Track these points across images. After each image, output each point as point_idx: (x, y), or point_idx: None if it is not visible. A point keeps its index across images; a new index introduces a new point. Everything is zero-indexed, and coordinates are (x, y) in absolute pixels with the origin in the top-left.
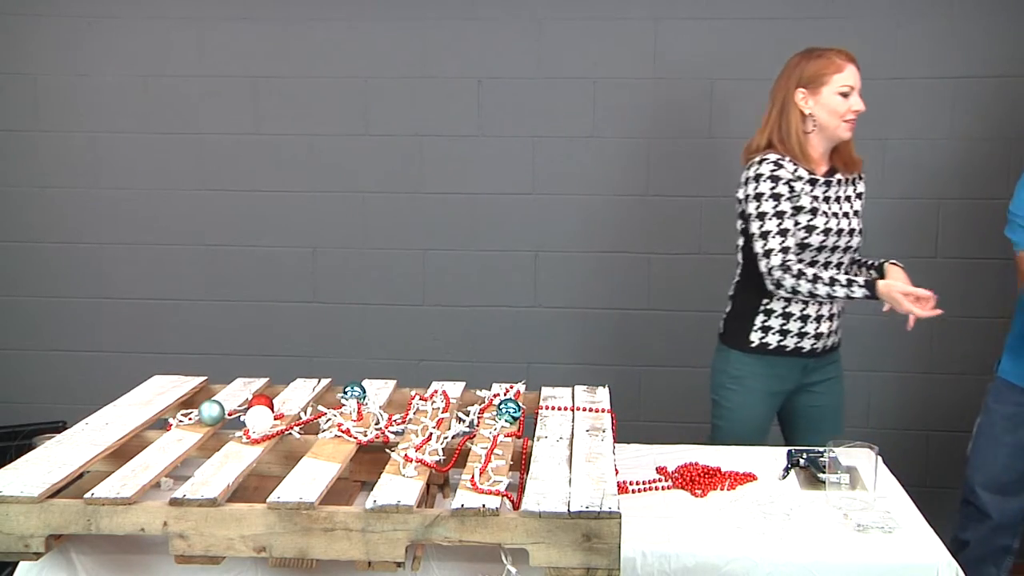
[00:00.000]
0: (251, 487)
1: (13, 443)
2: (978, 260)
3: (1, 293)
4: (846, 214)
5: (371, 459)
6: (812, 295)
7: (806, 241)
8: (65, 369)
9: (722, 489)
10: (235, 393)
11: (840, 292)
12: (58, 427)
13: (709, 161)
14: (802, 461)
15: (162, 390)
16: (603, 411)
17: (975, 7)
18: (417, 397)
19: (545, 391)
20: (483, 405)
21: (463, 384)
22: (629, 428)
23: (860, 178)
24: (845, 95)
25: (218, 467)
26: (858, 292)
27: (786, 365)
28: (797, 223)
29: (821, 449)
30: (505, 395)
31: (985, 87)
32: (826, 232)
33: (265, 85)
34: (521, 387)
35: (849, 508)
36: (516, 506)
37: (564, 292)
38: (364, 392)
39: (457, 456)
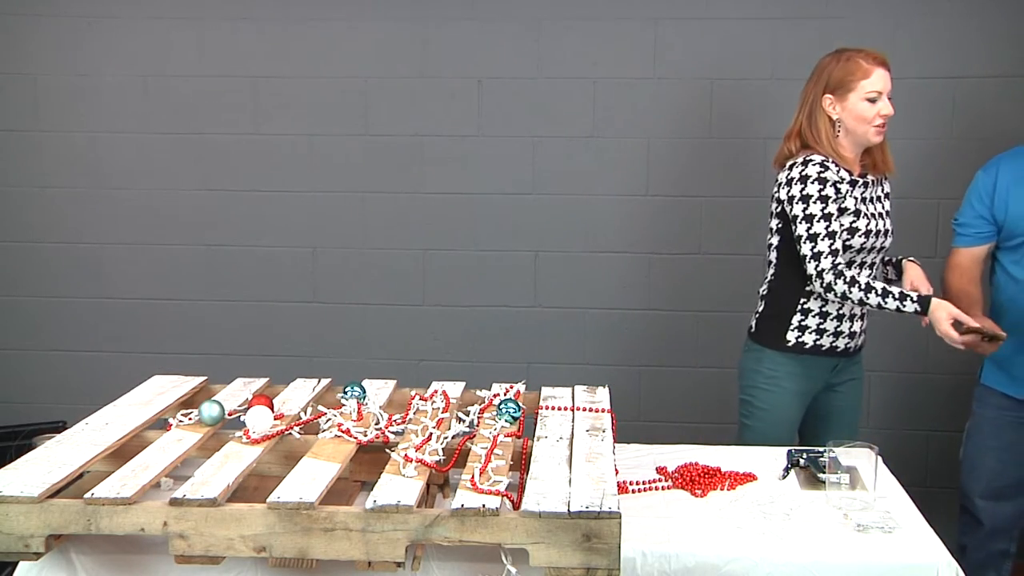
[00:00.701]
0: (251, 487)
1: (13, 443)
2: None
3: (1, 293)
4: (880, 215)
5: (371, 459)
6: (861, 303)
7: (848, 243)
8: (65, 369)
9: (722, 489)
10: (235, 393)
11: (891, 305)
12: (58, 427)
13: (709, 161)
14: (802, 461)
15: (162, 390)
16: (603, 411)
17: (974, 7)
18: (417, 397)
19: (545, 391)
20: (483, 405)
21: (463, 384)
22: (629, 428)
23: (885, 178)
24: (873, 100)
25: (218, 467)
26: (909, 307)
27: (818, 365)
28: (842, 225)
29: (821, 449)
30: (505, 395)
31: (985, 87)
32: (867, 234)
33: (265, 85)
34: (521, 387)
35: (849, 508)
36: (516, 506)
37: (564, 292)
38: (364, 392)
39: (457, 456)
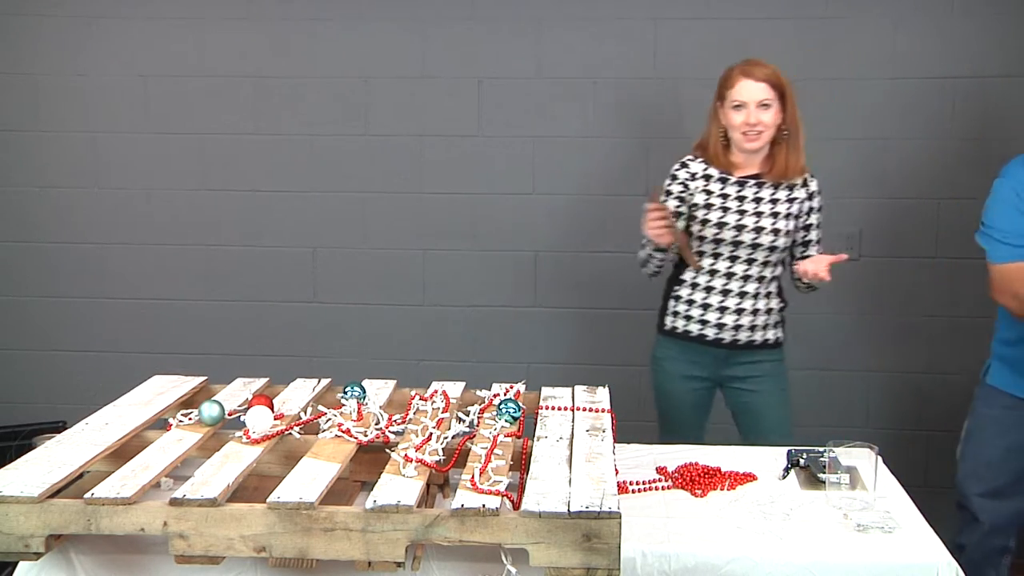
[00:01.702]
0: (251, 487)
1: (13, 443)
2: (978, 260)
3: (1, 293)
4: (758, 213)
5: (371, 459)
6: (642, 257)
7: (701, 233)
8: (65, 369)
9: (722, 489)
10: (235, 393)
11: (645, 251)
12: (58, 427)
13: None
14: (802, 461)
15: (162, 390)
16: (603, 411)
17: (975, 7)
18: (417, 397)
19: (545, 391)
20: (483, 405)
21: (463, 384)
22: (629, 428)
23: (804, 184)
24: (738, 108)
25: (218, 467)
26: (645, 245)
27: (698, 352)
28: (680, 215)
29: (821, 449)
30: (505, 395)
31: (985, 87)
32: (719, 226)
33: (265, 85)
34: (521, 387)
35: (849, 508)
36: (516, 506)
37: (564, 292)
38: (364, 392)
39: (457, 456)
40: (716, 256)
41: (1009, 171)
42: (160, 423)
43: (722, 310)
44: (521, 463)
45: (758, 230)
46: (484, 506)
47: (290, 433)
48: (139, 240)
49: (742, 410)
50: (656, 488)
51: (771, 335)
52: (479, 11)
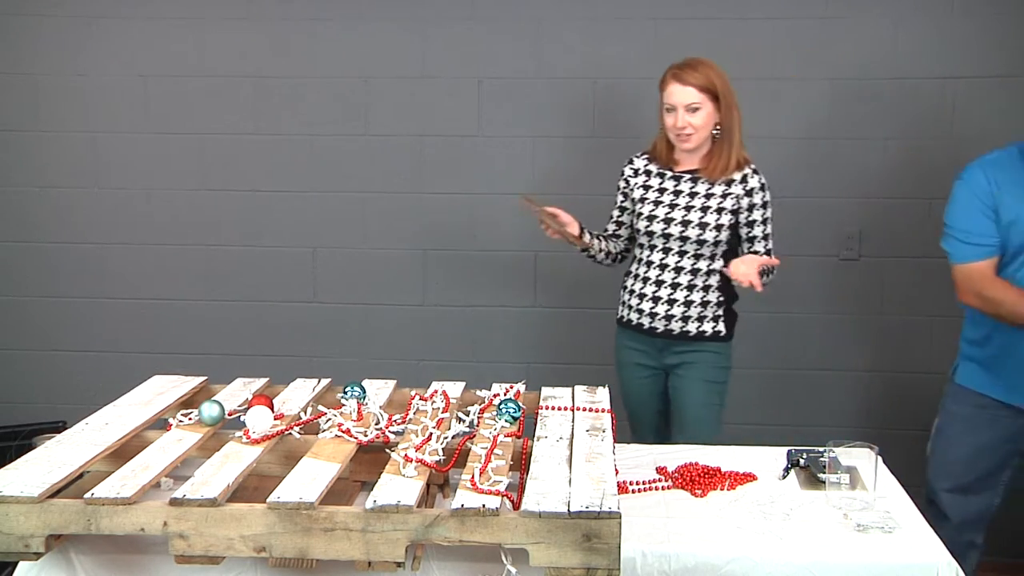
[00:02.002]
0: (251, 487)
1: (13, 443)
2: None
3: (1, 293)
4: (688, 207)
5: (371, 459)
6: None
7: (638, 225)
8: (65, 369)
9: (722, 489)
10: (235, 393)
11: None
12: (58, 427)
13: None
14: (802, 461)
15: (162, 390)
16: (603, 411)
17: (975, 7)
18: (417, 397)
19: (545, 391)
20: (483, 405)
21: (463, 384)
22: (629, 428)
23: (743, 180)
24: (669, 111)
25: (218, 467)
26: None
27: (642, 341)
28: (625, 209)
29: (821, 449)
30: (505, 395)
31: (985, 87)
32: (650, 219)
33: (265, 85)
34: (521, 387)
35: (849, 508)
36: (516, 506)
37: (564, 292)
38: (364, 392)
39: (457, 456)
40: (652, 248)
41: (968, 173)
42: (160, 423)
43: (656, 300)
44: (521, 463)
45: (685, 223)
46: (484, 506)
47: (290, 433)
48: (139, 240)
49: (674, 398)
50: (656, 488)
51: (707, 327)
52: (479, 11)
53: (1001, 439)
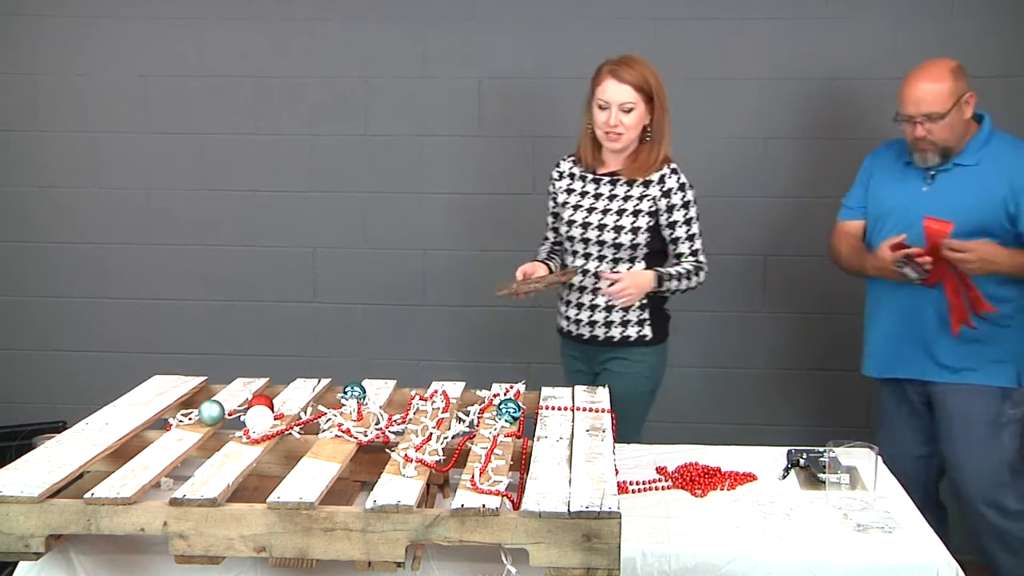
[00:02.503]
0: (251, 487)
1: (13, 443)
2: None
3: (1, 293)
4: (605, 211)
5: (371, 459)
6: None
7: (560, 228)
8: (65, 369)
9: (722, 489)
10: (235, 393)
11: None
12: (58, 427)
13: (709, 161)
14: (802, 461)
15: (162, 390)
16: (603, 411)
17: (974, 7)
18: (417, 397)
19: (545, 391)
20: (483, 405)
21: (463, 384)
22: (629, 428)
23: (661, 182)
24: (601, 108)
25: (218, 467)
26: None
27: (575, 348)
28: (557, 215)
29: (821, 449)
30: (505, 395)
31: (985, 87)
32: (569, 224)
33: (265, 85)
34: (521, 387)
35: (849, 508)
36: (516, 506)
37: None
38: (364, 392)
39: (457, 456)
40: (575, 253)
41: (876, 151)
42: (160, 423)
43: (580, 306)
44: (521, 463)
45: (601, 227)
46: (484, 506)
47: (290, 433)
48: (139, 240)
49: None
50: (656, 488)
51: (631, 332)
52: (479, 11)
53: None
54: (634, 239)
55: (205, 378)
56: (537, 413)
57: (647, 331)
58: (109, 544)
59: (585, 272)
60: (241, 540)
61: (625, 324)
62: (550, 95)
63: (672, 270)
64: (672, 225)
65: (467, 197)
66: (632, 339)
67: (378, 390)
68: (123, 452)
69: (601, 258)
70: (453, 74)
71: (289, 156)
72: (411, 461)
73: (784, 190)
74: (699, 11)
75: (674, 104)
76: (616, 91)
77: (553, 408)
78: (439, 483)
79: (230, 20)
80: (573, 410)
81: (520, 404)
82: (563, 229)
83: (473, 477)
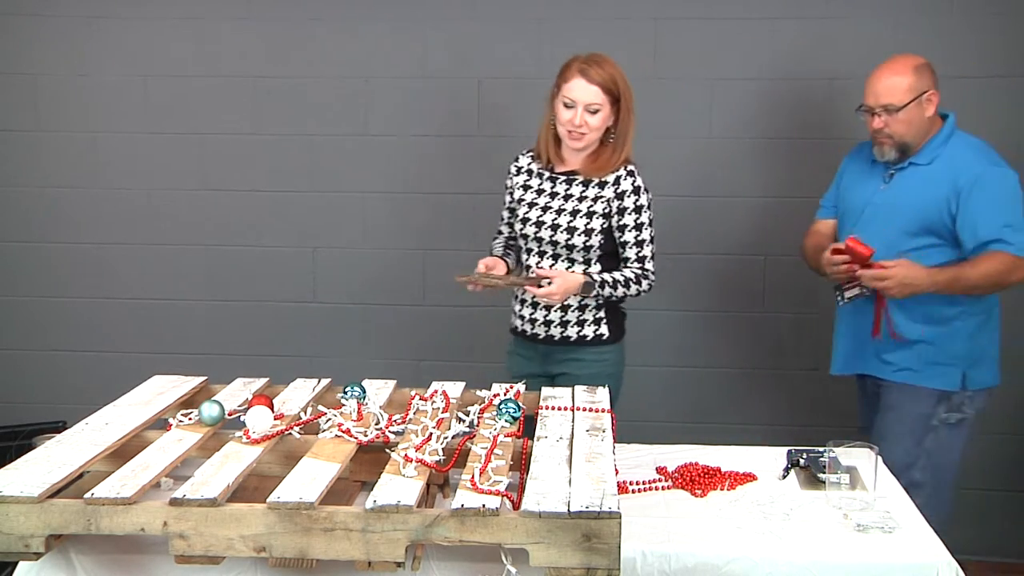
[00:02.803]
0: (251, 487)
1: (13, 443)
2: None
3: (1, 293)
4: (560, 211)
5: (371, 459)
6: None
7: (515, 225)
8: (65, 369)
9: (722, 489)
10: (235, 393)
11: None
12: (58, 427)
13: (709, 161)
14: (802, 461)
15: (162, 390)
16: (603, 411)
17: (975, 7)
18: (417, 397)
19: (545, 391)
20: (483, 405)
21: (463, 384)
22: (629, 428)
23: (616, 183)
24: (568, 106)
25: (218, 467)
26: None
27: (529, 348)
28: (512, 210)
29: (821, 449)
30: (505, 395)
31: (985, 87)
32: (523, 222)
33: (265, 85)
34: (521, 387)
35: (849, 508)
36: (516, 506)
37: None
38: (364, 392)
39: (457, 456)
40: (529, 251)
41: (852, 150)
42: (160, 423)
43: (535, 306)
44: (521, 463)
45: (555, 227)
46: (484, 506)
47: (290, 433)
48: (139, 240)
49: None
50: (656, 488)
51: (589, 331)
52: (479, 11)
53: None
54: (587, 240)
55: (205, 378)
56: (537, 413)
57: (604, 330)
58: (109, 544)
59: (529, 268)
60: (241, 540)
61: (582, 323)
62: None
63: (607, 276)
64: (622, 228)
65: (467, 197)
66: (589, 338)
67: (378, 390)
68: (123, 452)
69: (556, 257)
70: (453, 74)
71: (289, 156)
72: (411, 461)
73: (782, 190)
74: (699, 11)
75: (674, 104)
76: (584, 91)
77: (553, 408)
78: (439, 483)
79: (230, 20)
80: (573, 410)
81: (520, 404)
82: (518, 227)
83: (473, 477)
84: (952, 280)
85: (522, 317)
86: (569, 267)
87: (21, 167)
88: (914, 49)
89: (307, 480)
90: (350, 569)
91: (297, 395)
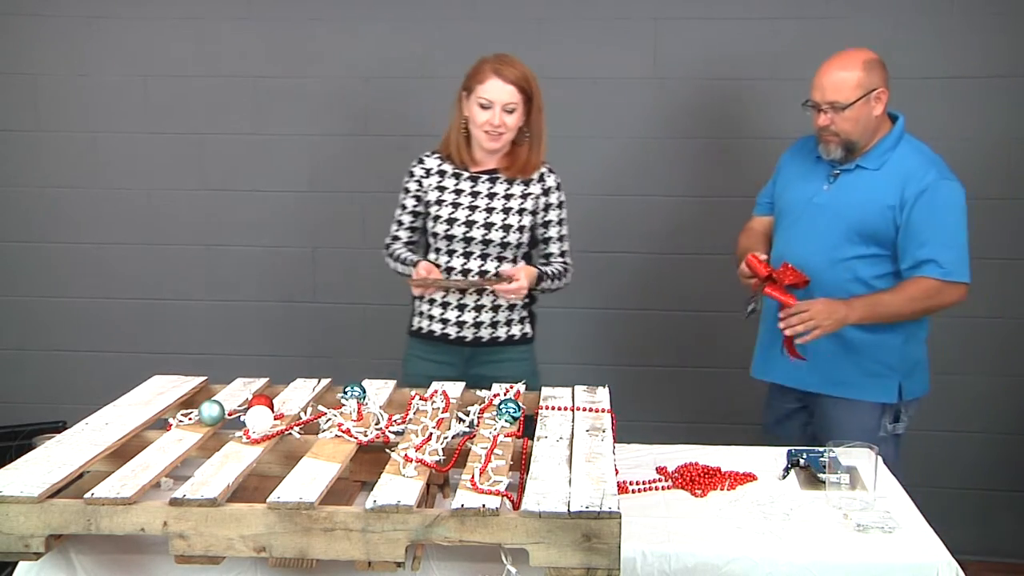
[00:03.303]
0: (251, 487)
1: (13, 443)
2: (978, 259)
3: (1, 293)
4: (489, 209)
5: (371, 459)
6: (395, 269)
7: (434, 230)
8: (65, 369)
9: (722, 489)
10: (235, 393)
11: (399, 268)
12: (58, 427)
13: (709, 161)
14: (802, 461)
15: (162, 390)
16: (603, 411)
17: (975, 7)
18: (417, 397)
19: (545, 391)
20: (483, 405)
21: (463, 384)
22: (629, 428)
23: (541, 180)
24: (484, 107)
25: (218, 467)
26: (404, 269)
27: (443, 351)
28: (419, 214)
29: (821, 449)
30: (505, 395)
31: (985, 87)
32: (449, 223)
33: (265, 85)
34: (521, 387)
35: (849, 508)
36: (516, 506)
37: (564, 292)
38: (364, 392)
39: (457, 456)
40: (451, 253)
41: (792, 146)
42: (160, 423)
43: (462, 308)
44: (521, 463)
45: (488, 227)
46: (484, 506)
47: (290, 433)
48: (139, 240)
49: None
50: (656, 488)
51: (516, 331)
52: (479, 11)
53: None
54: (520, 238)
55: (205, 378)
56: (537, 413)
57: (528, 328)
58: (109, 544)
59: (467, 272)
60: (241, 540)
61: (510, 323)
62: (550, 95)
63: (548, 269)
64: (546, 224)
65: None
66: (517, 338)
67: (378, 390)
68: (123, 452)
69: (484, 256)
70: (453, 74)
71: (289, 156)
72: (411, 461)
73: None
74: (699, 11)
75: (674, 104)
76: (500, 91)
77: (553, 408)
78: (439, 483)
79: (230, 20)
80: (573, 410)
81: (520, 404)
82: (440, 228)
83: (473, 477)
84: (871, 307)
85: (445, 320)
86: (498, 266)
87: (21, 167)
88: (913, 49)
89: (307, 480)
90: (350, 569)
91: (297, 395)
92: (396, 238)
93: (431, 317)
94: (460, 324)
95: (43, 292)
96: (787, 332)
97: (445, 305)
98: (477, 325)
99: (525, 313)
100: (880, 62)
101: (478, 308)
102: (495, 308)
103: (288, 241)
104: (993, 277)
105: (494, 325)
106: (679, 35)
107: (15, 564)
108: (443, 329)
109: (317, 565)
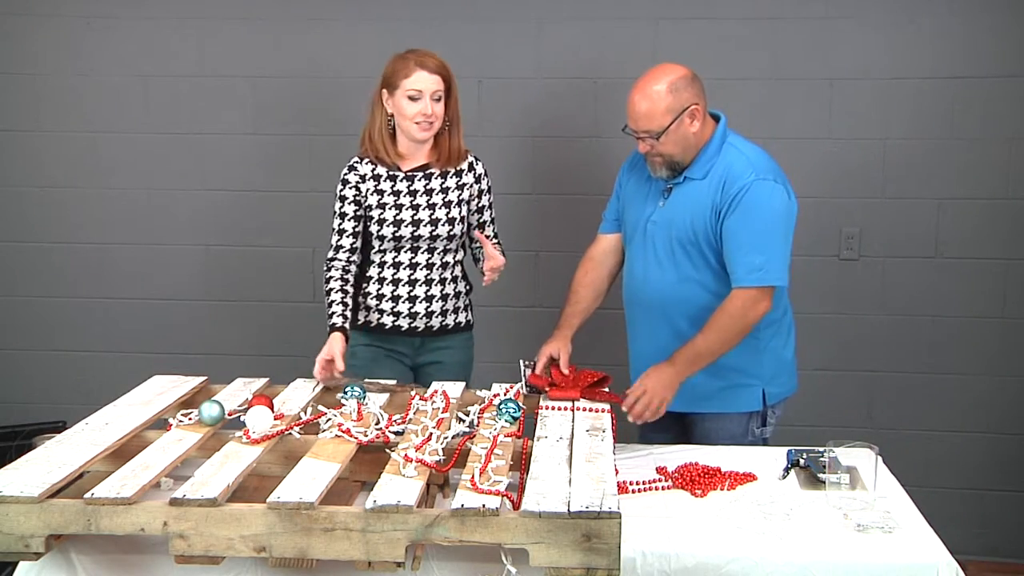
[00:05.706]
0: (251, 487)
1: (13, 443)
2: (978, 260)
3: (1, 293)
4: (432, 205)
5: (371, 459)
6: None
7: (381, 233)
8: (65, 369)
9: (722, 489)
10: (235, 393)
11: (327, 308)
12: (58, 427)
13: None
14: (802, 461)
15: (162, 390)
16: (603, 411)
17: (976, 7)
18: (417, 397)
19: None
20: (483, 405)
21: (463, 384)
22: (629, 428)
23: (471, 168)
24: (413, 99)
25: (218, 467)
26: (327, 315)
27: (392, 342)
28: (360, 218)
29: (821, 449)
30: (505, 395)
31: (985, 87)
32: (396, 224)
33: (265, 85)
34: (521, 387)
35: (849, 508)
36: (516, 506)
37: (564, 292)
38: (364, 392)
39: (457, 456)
40: (398, 251)
41: (631, 158)
42: (160, 423)
43: (412, 300)
44: (521, 463)
45: (434, 223)
46: (484, 506)
47: (290, 433)
48: (139, 240)
49: None
50: (656, 488)
51: (461, 318)
52: (479, 11)
53: None
54: (463, 228)
55: (205, 378)
56: (537, 413)
57: (470, 316)
58: (109, 544)
59: (415, 265)
60: (241, 540)
61: (456, 311)
62: (550, 95)
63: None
64: (481, 209)
65: None
66: (463, 324)
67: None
68: (123, 452)
69: (432, 250)
70: (453, 73)
71: (289, 156)
72: (411, 461)
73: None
74: (699, 11)
75: None
76: (428, 80)
77: (553, 408)
78: (439, 483)
79: (230, 20)
80: (573, 410)
81: (520, 404)
82: (387, 231)
83: (473, 477)
84: (692, 357)
85: (398, 313)
86: (443, 257)
87: (21, 167)
88: (914, 49)
89: (307, 480)
90: (350, 569)
91: (297, 395)
92: (339, 248)
93: (381, 311)
94: (412, 315)
95: (43, 292)
96: (639, 422)
97: (397, 298)
98: (429, 315)
99: (468, 300)
100: (689, 76)
101: (429, 298)
102: (444, 297)
103: (288, 241)
104: (993, 277)
105: (444, 313)
106: (679, 35)
107: (15, 564)
108: (395, 322)
109: (317, 565)
